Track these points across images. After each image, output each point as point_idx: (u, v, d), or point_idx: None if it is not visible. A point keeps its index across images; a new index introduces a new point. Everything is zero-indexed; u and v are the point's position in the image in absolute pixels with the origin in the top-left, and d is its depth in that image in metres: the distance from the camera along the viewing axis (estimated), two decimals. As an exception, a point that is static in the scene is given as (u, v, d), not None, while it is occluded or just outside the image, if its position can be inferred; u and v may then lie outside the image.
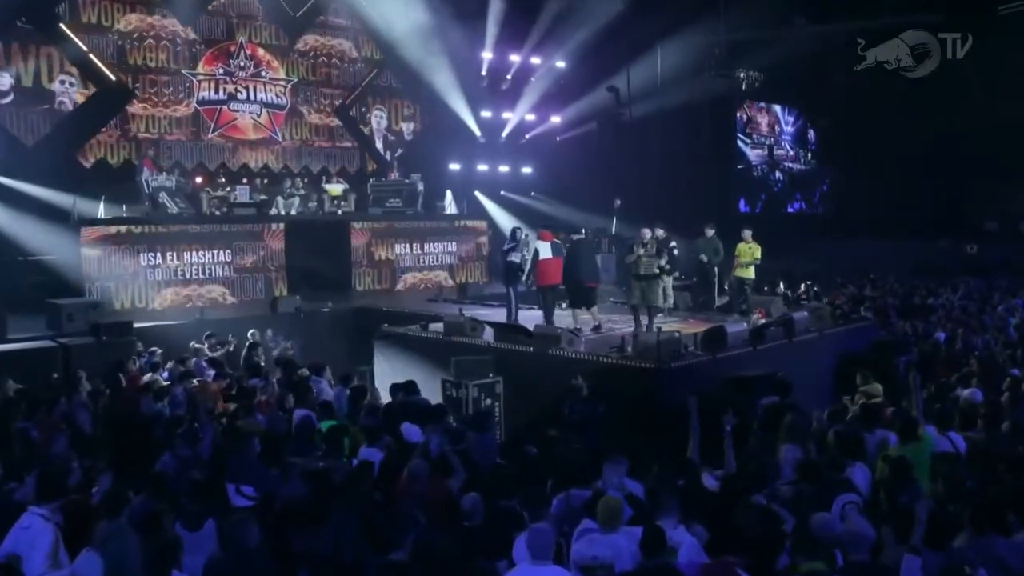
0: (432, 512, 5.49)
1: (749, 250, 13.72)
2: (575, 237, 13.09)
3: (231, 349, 13.11)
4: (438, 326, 12.47)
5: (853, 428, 6.95)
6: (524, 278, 13.20)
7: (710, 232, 13.94)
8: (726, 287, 14.33)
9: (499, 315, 13.22)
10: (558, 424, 8.60)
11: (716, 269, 13.95)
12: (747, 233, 13.87)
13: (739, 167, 30.94)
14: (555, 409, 9.44)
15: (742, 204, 30.32)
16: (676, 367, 9.36)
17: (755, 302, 13.55)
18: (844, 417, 7.75)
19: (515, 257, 12.69)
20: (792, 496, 5.73)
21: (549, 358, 10.33)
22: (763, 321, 11.84)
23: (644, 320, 12.09)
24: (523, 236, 13.03)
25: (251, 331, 13.61)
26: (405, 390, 9.08)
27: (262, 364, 11.76)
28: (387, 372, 12.24)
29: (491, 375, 10.43)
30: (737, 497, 5.38)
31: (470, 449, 7.05)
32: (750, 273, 13.75)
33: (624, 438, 7.97)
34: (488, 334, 11.66)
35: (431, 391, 10.17)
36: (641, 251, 11.97)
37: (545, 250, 12.27)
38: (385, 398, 10.21)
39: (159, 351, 12.08)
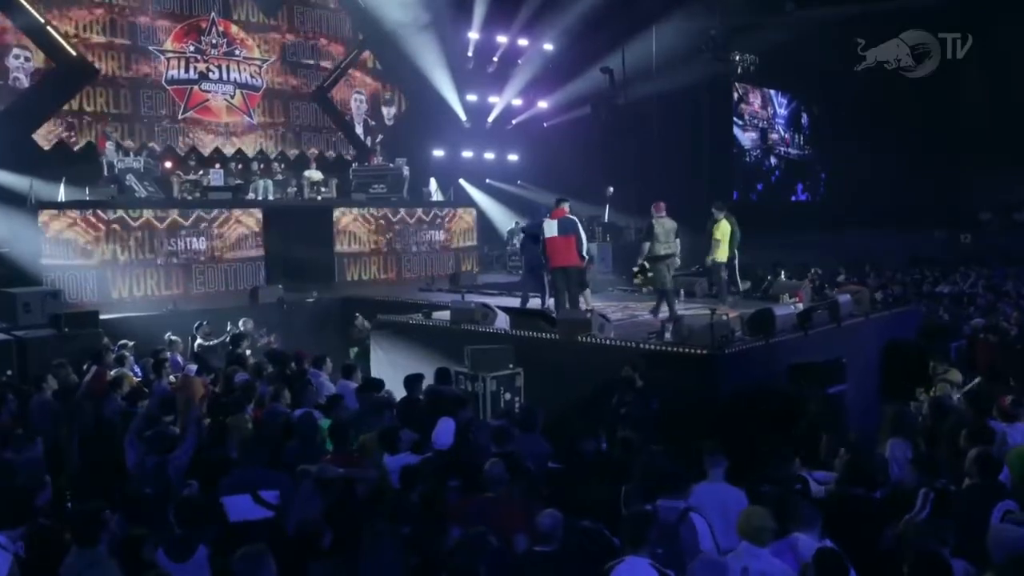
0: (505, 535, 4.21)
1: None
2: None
3: (228, 340, 11.77)
4: (443, 314, 11.26)
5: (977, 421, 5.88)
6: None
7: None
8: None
9: (501, 304, 11.98)
10: (598, 419, 7.45)
11: (736, 252, 12.86)
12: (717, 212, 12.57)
13: (733, 151, 29.91)
14: (587, 403, 8.39)
15: (735, 194, 29.17)
16: (731, 353, 8.26)
17: (782, 287, 12.61)
18: (947, 408, 6.67)
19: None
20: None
21: (577, 346, 9.18)
22: (801, 305, 10.88)
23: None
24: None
25: (243, 319, 12.37)
26: (439, 379, 7.84)
27: (249, 357, 10.44)
28: (385, 365, 11.04)
29: (511, 366, 9.22)
30: (885, 509, 4.30)
31: (517, 452, 5.84)
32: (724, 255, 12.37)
33: (678, 434, 6.86)
34: (501, 321, 10.50)
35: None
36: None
37: (551, 228, 10.94)
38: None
39: (130, 344, 10.74)
